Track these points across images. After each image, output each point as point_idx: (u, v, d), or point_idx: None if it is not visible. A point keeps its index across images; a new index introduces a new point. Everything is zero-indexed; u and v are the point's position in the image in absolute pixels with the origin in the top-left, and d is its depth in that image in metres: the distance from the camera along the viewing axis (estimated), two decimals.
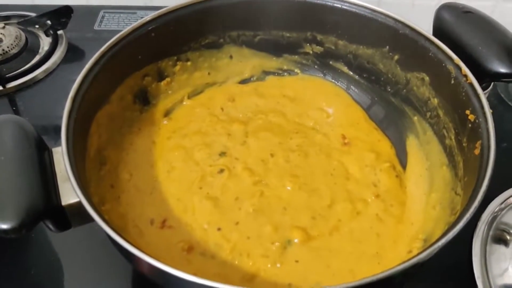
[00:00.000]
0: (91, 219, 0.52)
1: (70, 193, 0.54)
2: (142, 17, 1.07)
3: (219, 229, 0.65)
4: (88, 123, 0.66)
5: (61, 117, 0.87)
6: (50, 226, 0.55)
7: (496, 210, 0.72)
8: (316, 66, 0.86)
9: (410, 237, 0.66)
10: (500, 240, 0.70)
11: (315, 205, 0.68)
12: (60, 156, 0.56)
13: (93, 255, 0.71)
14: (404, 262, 0.49)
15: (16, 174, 0.52)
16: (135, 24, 0.72)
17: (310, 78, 0.87)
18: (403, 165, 0.76)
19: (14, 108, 0.93)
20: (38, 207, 0.51)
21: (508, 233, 0.70)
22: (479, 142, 0.60)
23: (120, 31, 1.06)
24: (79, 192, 0.52)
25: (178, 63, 0.81)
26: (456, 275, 0.68)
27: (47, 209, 0.52)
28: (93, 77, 0.65)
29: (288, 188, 0.70)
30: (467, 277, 0.66)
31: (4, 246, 0.71)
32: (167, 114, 0.80)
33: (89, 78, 0.65)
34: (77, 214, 0.55)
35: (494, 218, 0.71)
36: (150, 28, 0.73)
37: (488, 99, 0.73)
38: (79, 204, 0.53)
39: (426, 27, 0.74)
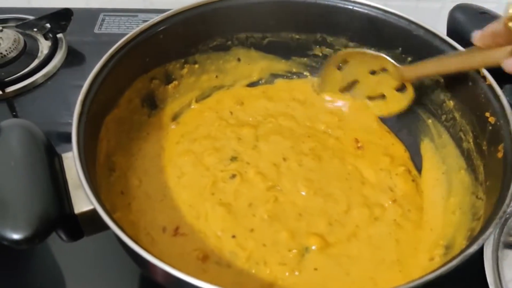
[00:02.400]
0: (106, 227, 0.50)
1: (82, 201, 0.52)
2: (144, 20, 1.09)
3: (233, 236, 0.63)
4: (98, 128, 0.63)
5: (62, 122, 0.87)
6: (62, 235, 0.53)
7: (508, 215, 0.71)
8: None
9: (430, 243, 0.65)
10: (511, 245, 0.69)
11: (331, 210, 0.67)
12: (71, 162, 0.54)
13: (99, 264, 0.68)
14: (433, 271, 0.47)
15: (27, 180, 0.50)
16: (143, 25, 0.70)
17: None
18: (419, 169, 0.74)
19: (13, 113, 0.90)
20: (51, 215, 0.49)
21: None
22: (501, 145, 0.59)
23: (121, 34, 1.04)
24: (94, 199, 0.50)
25: (185, 66, 0.79)
26: (468, 281, 0.66)
27: (60, 217, 0.50)
28: (102, 80, 0.63)
29: (303, 193, 0.68)
30: (480, 283, 0.65)
31: (6, 256, 0.68)
32: (175, 118, 0.78)
33: (98, 81, 0.62)
34: (90, 222, 0.53)
35: (505, 222, 0.70)
36: (158, 29, 0.71)
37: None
38: (92, 212, 0.51)
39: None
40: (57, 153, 0.56)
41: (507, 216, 0.70)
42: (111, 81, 0.65)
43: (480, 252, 0.67)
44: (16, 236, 0.46)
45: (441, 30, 0.73)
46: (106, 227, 0.50)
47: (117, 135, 0.68)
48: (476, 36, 0.58)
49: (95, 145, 0.62)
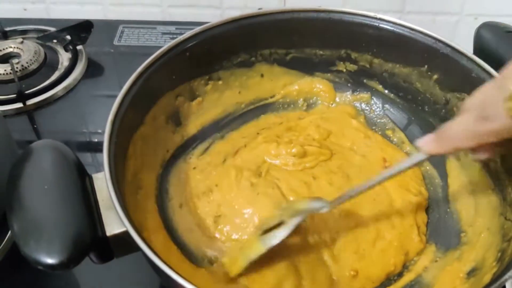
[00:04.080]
0: (137, 249, 0.50)
1: (114, 223, 0.52)
2: (162, 32, 1.09)
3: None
4: (126, 146, 0.63)
5: (83, 134, 0.87)
6: (94, 258, 0.53)
7: None
8: (349, 84, 0.84)
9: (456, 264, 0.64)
10: None
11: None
12: (102, 182, 0.54)
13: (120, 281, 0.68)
14: None
15: (60, 204, 0.50)
16: (170, 43, 0.70)
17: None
18: (445, 188, 0.73)
19: (34, 126, 0.90)
20: (86, 239, 0.49)
21: None
22: None
23: (140, 46, 1.06)
24: (126, 221, 0.50)
25: (209, 82, 0.79)
26: None
27: (94, 240, 0.50)
28: (131, 99, 0.63)
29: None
30: None
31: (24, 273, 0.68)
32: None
33: (127, 100, 0.62)
34: (121, 244, 0.53)
35: None
36: (185, 47, 0.71)
37: None
38: (124, 234, 0.51)
39: None
40: (88, 173, 0.56)
41: None
42: (139, 99, 0.65)
43: None
44: (51, 261, 0.46)
45: (459, 43, 0.73)
46: (137, 248, 0.50)
47: (143, 152, 0.68)
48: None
49: (123, 163, 0.62)
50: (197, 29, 0.73)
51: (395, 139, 0.81)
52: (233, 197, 0.69)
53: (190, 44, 0.72)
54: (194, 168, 0.74)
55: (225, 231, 0.67)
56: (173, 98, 0.74)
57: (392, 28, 0.75)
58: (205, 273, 0.63)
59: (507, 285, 0.64)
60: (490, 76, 0.67)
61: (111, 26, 1.11)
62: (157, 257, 0.49)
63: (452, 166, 0.74)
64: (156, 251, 0.50)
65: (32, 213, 0.49)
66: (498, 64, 0.67)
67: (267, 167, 0.73)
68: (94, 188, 0.55)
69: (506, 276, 0.49)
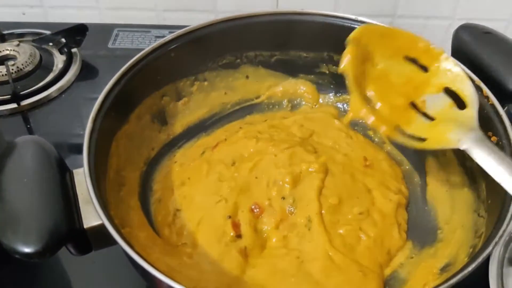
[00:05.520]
0: (114, 242, 0.52)
1: (92, 216, 0.54)
2: (156, 36, 1.11)
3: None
4: (108, 144, 0.65)
5: (75, 135, 0.89)
6: (71, 249, 0.55)
7: None
8: (332, 86, 0.86)
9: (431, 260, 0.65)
10: None
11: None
12: (82, 177, 0.56)
13: (108, 275, 0.70)
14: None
15: (39, 196, 0.52)
16: (154, 44, 0.72)
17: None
18: (423, 186, 0.75)
19: (28, 126, 0.92)
20: (62, 230, 0.51)
21: None
22: None
23: (134, 49, 1.08)
24: (102, 215, 0.52)
25: (195, 83, 0.81)
26: None
27: (70, 232, 0.52)
28: (113, 98, 0.65)
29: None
30: None
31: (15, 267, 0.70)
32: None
33: (109, 99, 0.65)
34: (98, 237, 0.55)
35: (510, 239, 0.70)
36: (169, 48, 0.74)
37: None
38: (101, 227, 0.53)
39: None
40: (69, 169, 0.58)
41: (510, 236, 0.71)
42: (122, 98, 0.67)
43: (485, 269, 0.67)
44: (27, 250, 0.48)
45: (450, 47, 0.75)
46: (114, 242, 0.52)
47: (127, 150, 0.70)
48: None
49: (105, 160, 0.64)
50: (181, 30, 0.75)
51: (376, 139, 0.83)
52: (197, 189, 0.71)
53: (174, 45, 0.74)
54: (175, 162, 0.76)
55: (176, 227, 0.69)
56: (158, 98, 0.76)
57: None
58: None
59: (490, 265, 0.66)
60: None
61: (106, 29, 1.13)
62: (131, 249, 0.50)
63: (431, 165, 0.76)
64: (135, 246, 0.52)
65: (11, 205, 0.51)
66: (476, 65, 0.69)
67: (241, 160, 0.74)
68: (74, 183, 0.57)
69: (469, 268, 0.50)
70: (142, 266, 0.49)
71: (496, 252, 0.68)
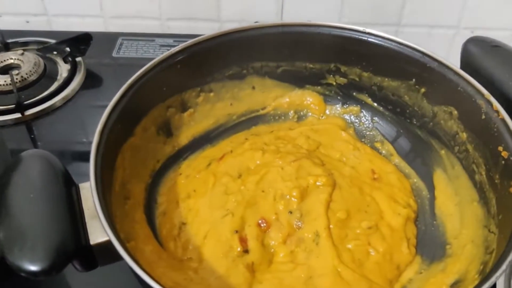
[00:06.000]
0: (120, 258, 0.51)
1: (98, 232, 0.53)
2: (160, 45, 1.11)
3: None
4: (114, 157, 0.65)
5: (79, 144, 0.89)
6: (77, 266, 0.54)
7: None
8: (339, 97, 0.86)
9: (440, 276, 0.65)
10: None
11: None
12: (88, 192, 0.55)
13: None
14: None
15: (45, 212, 0.51)
16: (161, 56, 0.72)
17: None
18: (432, 200, 0.74)
19: (32, 136, 0.92)
20: (69, 247, 0.50)
21: None
22: None
23: (138, 58, 1.08)
24: (109, 230, 0.51)
25: (201, 94, 0.80)
26: None
27: (77, 249, 0.51)
28: (120, 110, 0.65)
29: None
30: None
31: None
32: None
33: (116, 111, 0.64)
34: (105, 253, 0.54)
35: None
36: (176, 60, 0.73)
37: None
38: (107, 243, 0.52)
39: (442, 56, 0.73)
40: (75, 183, 0.57)
41: None
42: (128, 110, 0.66)
43: None
44: (33, 268, 0.47)
45: (456, 57, 0.74)
46: (120, 257, 0.51)
47: (133, 163, 0.69)
48: None
49: (111, 174, 0.63)
50: (188, 42, 0.74)
51: (383, 151, 0.82)
52: (203, 202, 0.70)
53: (181, 57, 0.73)
54: (181, 174, 0.76)
55: (182, 241, 0.68)
56: (164, 109, 0.76)
57: (380, 42, 0.76)
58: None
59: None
60: (476, 90, 0.68)
61: (110, 38, 1.13)
62: (138, 266, 0.50)
63: (439, 178, 0.75)
64: (140, 260, 0.52)
65: (17, 221, 0.50)
66: (485, 79, 0.69)
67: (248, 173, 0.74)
68: (80, 198, 0.56)
69: (489, 282, 0.49)
70: (148, 283, 0.49)
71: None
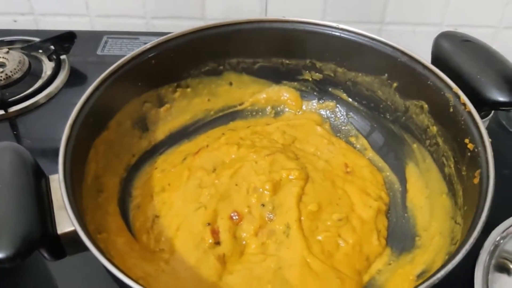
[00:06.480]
0: (87, 248, 0.52)
1: (66, 222, 0.54)
2: (144, 42, 1.11)
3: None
4: (86, 150, 0.66)
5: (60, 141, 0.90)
6: (45, 254, 0.55)
7: (498, 238, 0.71)
8: (315, 93, 0.87)
9: (408, 267, 0.66)
10: (502, 268, 0.69)
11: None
12: (57, 184, 0.56)
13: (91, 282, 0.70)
14: None
15: (12, 202, 0.52)
16: (135, 51, 0.73)
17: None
18: (403, 193, 0.75)
19: (15, 132, 0.93)
20: (34, 235, 0.51)
21: (511, 262, 0.69)
22: (478, 171, 0.60)
23: (123, 56, 1.08)
24: (75, 221, 0.52)
25: (178, 89, 0.81)
26: None
27: (43, 237, 0.52)
28: (92, 104, 0.66)
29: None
30: None
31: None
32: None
33: (88, 105, 0.65)
34: (72, 242, 0.55)
35: (496, 246, 0.70)
36: (150, 55, 0.74)
37: (489, 125, 0.72)
38: (74, 233, 0.53)
39: (427, 54, 0.74)
40: (45, 174, 0.58)
41: (497, 241, 0.71)
42: (101, 105, 0.67)
43: (471, 274, 0.68)
44: None
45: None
46: (87, 247, 0.52)
47: (107, 157, 0.70)
48: None
49: (83, 167, 0.64)
50: (162, 38, 0.75)
51: (358, 146, 0.83)
52: (177, 195, 0.71)
53: (154, 53, 0.74)
54: (156, 168, 0.77)
55: (155, 233, 0.69)
56: (140, 104, 0.77)
57: (353, 38, 0.77)
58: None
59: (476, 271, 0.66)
60: (445, 84, 0.68)
61: (95, 36, 1.14)
62: (103, 256, 0.51)
63: (411, 172, 0.76)
64: (112, 251, 0.53)
65: None
66: (454, 73, 0.70)
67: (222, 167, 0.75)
68: (49, 189, 0.57)
69: (438, 275, 0.50)
70: (113, 272, 0.50)
71: (482, 259, 0.69)
